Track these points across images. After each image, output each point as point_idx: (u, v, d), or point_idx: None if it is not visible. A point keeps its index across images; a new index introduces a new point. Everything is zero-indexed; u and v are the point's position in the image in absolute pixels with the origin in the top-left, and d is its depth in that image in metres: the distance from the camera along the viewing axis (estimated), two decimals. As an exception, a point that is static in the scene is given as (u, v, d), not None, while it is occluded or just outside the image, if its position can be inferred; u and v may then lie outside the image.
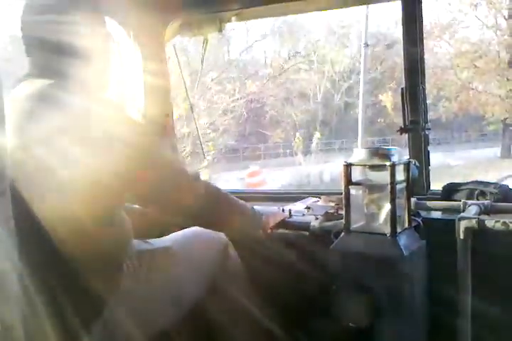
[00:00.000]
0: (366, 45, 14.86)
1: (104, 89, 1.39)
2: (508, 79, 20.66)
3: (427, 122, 1.88)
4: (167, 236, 1.56)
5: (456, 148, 22.65)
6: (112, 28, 1.44)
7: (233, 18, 2.23)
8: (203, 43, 2.43)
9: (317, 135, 18.86)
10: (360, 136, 14.32)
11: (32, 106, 1.17)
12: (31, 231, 1.06)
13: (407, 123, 1.86)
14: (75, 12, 1.29)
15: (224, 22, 2.22)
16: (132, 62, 1.88)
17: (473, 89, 21.85)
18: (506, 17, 20.89)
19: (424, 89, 1.88)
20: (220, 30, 2.23)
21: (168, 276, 1.41)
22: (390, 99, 25.50)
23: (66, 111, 1.15)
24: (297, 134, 19.09)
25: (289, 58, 26.21)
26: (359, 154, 1.46)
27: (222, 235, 1.61)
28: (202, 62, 2.50)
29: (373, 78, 26.80)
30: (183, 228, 1.62)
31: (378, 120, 26.99)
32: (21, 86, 1.27)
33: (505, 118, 21.50)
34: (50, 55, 1.28)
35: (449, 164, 16.84)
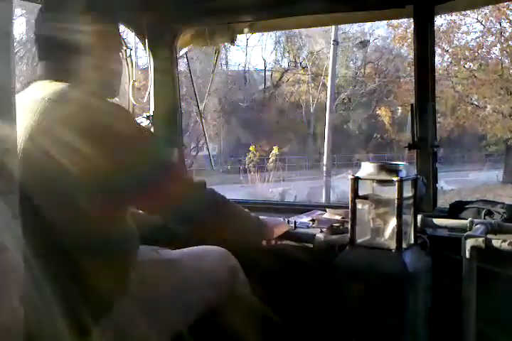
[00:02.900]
0: (336, 42, 14.13)
1: (114, 92, 1.42)
2: (511, 93, 18.44)
3: (435, 139, 1.88)
4: (175, 251, 1.55)
5: (453, 169, 20.65)
6: (126, 35, 1.46)
7: (245, 30, 2.25)
8: (215, 53, 2.45)
9: (274, 150, 15.93)
10: (325, 152, 13.63)
11: (45, 108, 1.18)
12: (38, 230, 1.06)
13: (415, 140, 1.86)
14: (89, 16, 1.31)
15: (236, 33, 2.24)
16: (144, 69, 1.91)
17: (472, 104, 19.69)
18: None
19: (434, 106, 1.88)
20: (233, 41, 2.25)
21: (173, 288, 1.40)
22: (388, 113, 25.11)
23: (75, 109, 1.16)
24: (251, 148, 16.13)
25: (288, 69, 26.20)
26: (367, 168, 1.46)
27: (230, 256, 1.59)
28: (213, 71, 2.52)
29: (371, 91, 26.69)
30: (190, 241, 1.61)
31: (374, 135, 26.64)
32: (33, 88, 1.29)
33: (508, 139, 19.42)
34: (62, 58, 1.31)
35: (442, 188, 14.69)
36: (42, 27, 1.35)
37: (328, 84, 14.29)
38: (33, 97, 1.23)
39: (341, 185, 15.71)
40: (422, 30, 1.84)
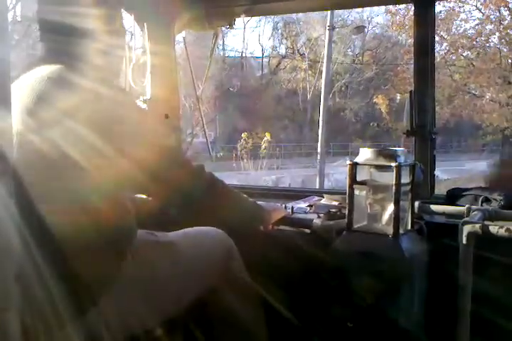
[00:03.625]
0: (332, 28, 13.82)
1: (114, 75, 1.41)
2: (509, 82, 18.17)
3: (434, 126, 1.88)
4: (172, 233, 1.55)
5: (449, 158, 20.39)
6: (123, 18, 1.44)
7: (243, 13, 2.22)
8: (213, 38, 2.42)
9: (266, 137, 15.44)
10: (320, 139, 13.45)
11: (45, 88, 1.18)
12: (32, 212, 1.05)
13: (413, 127, 1.85)
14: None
15: (234, 16, 2.21)
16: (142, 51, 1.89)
17: (469, 92, 19.54)
18: None
19: (433, 93, 1.87)
20: (231, 25, 2.23)
21: (171, 270, 1.40)
22: (385, 101, 24.99)
23: (77, 94, 1.16)
24: (243, 134, 15.76)
25: (286, 56, 25.97)
26: (365, 154, 1.45)
27: (226, 237, 1.60)
28: (211, 56, 2.48)
29: (368, 79, 26.55)
30: (189, 225, 1.61)
31: (371, 124, 26.57)
32: (35, 69, 1.28)
33: (505, 128, 19.13)
34: (63, 39, 1.30)
35: (438, 177, 15.15)
36: (43, 9, 1.34)
37: (324, 71, 14.17)
38: (33, 78, 1.22)
39: (336, 173, 15.73)
40: (422, 14, 1.82)
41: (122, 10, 1.44)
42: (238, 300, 1.53)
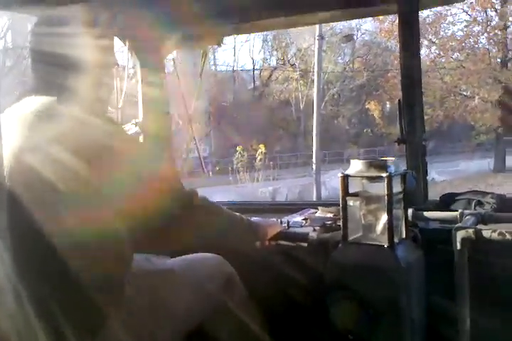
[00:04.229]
0: (321, 37, 13.96)
1: (104, 104, 1.42)
2: (499, 82, 18.21)
3: (424, 133, 1.90)
4: (171, 260, 1.55)
5: (444, 160, 20.44)
6: (113, 42, 1.46)
7: (232, 32, 2.25)
8: (202, 56, 2.45)
9: (261, 149, 15.38)
10: (314, 149, 13.49)
11: (33, 121, 1.19)
12: (27, 243, 1.06)
13: (404, 135, 1.87)
14: (80, 29, 1.32)
15: (223, 35, 2.25)
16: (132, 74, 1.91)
17: (461, 94, 19.66)
18: (498, 8, 18.19)
19: (421, 100, 1.90)
20: (219, 44, 2.26)
21: (170, 298, 1.40)
22: (377, 107, 25.03)
23: (66, 127, 1.17)
24: (238, 148, 15.71)
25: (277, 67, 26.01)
26: (356, 165, 1.47)
27: (226, 263, 1.60)
28: (201, 74, 2.51)
29: (360, 85, 26.62)
30: (186, 250, 1.61)
31: (365, 130, 26.60)
32: (25, 101, 1.29)
33: (498, 127, 19.07)
34: (56, 71, 1.31)
35: (434, 179, 14.72)
36: (36, 41, 1.35)
37: (315, 80, 14.24)
38: (23, 112, 1.24)
39: (332, 181, 15.73)
40: (406, 23, 1.84)
41: (110, 32, 1.45)
42: (239, 326, 1.53)
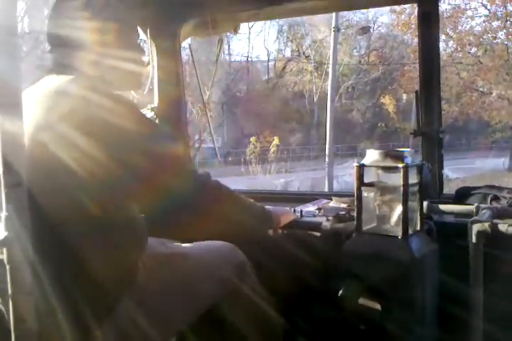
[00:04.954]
0: (337, 29, 13.75)
1: (122, 86, 1.42)
2: None
3: (441, 125, 1.87)
4: (183, 245, 1.56)
5: (459, 157, 19.98)
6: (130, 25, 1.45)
7: (248, 18, 2.23)
8: (218, 43, 2.44)
9: (275, 141, 15.42)
10: (327, 142, 13.42)
11: (52, 100, 1.20)
12: (45, 224, 1.07)
13: (420, 127, 1.85)
14: (96, 12, 1.33)
15: (239, 22, 2.23)
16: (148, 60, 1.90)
17: (477, 90, 19.40)
18: None
19: (439, 92, 1.87)
20: (236, 30, 2.24)
21: (183, 281, 1.40)
22: (392, 101, 24.83)
23: (84, 107, 1.17)
24: (251, 139, 15.67)
25: (292, 59, 25.89)
26: (372, 155, 1.46)
27: (239, 252, 1.59)
28: (216, 61, 2.50)
29: (375, 79, 26.41)
30: (197, 233, 1.61)
31: (379, 124, 26.41)
32: (43, 81, 1.31)
33: None
34: (71, 52, 1.32)
35: (447, 176, 14.31)
36: (53, 23, 1.36)
37: (330, 73, 14.15)
38: (41, 91, 1.24)
39: (345, 175, 15.68)
40: (426, 14, 1.82)
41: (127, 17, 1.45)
42: (248, 314, 1.53)
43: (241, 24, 2.26)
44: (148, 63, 1.99)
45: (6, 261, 0.67)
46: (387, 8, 21.98)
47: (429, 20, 1.82)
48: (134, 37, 1.46)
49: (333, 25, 13.76)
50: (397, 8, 18.74)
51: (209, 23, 2.21)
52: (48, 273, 1.02)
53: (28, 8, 13.55)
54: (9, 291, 0.68)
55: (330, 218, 1.66)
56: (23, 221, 0.69)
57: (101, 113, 1.17)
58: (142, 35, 2.23)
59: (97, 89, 1.24)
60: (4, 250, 0.67)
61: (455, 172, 16.95)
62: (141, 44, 1.52)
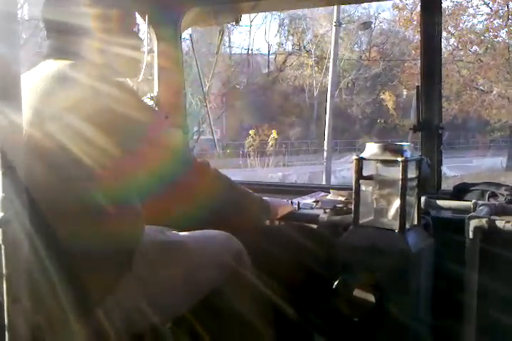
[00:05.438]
0: (338, 24, 13.65)
1: (119, 72, 1.42)
2: None
3: (441, 121, 1.87)
4: (181, 233, 1.56)
5: (456, 155, 20.06)
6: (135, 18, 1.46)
7: (249, 9, 2.22)
8: (219, 34, 2.43)
9: (273, 134, 15.40)
10: (326, 137, 13.41)
11: (50, 85, 1.19)
12: (43, 208, 1.06)
13: (420, 122, 1.85)
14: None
15: (241, 13, 2.22)
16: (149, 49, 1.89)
17: (477, 88, 19.43)
18: None
19: (440, 88, 1.87)
20: (237, 21, 2.23)
21: (179, 270, 1.40)
22: (392, 98, 24.81)
23: (81, 93, 1.17)
24: (250, 131, 15.76)
25: (292, 53, 25.82)
26: (371, 149, 1.45)
27: (236, 241, 1.59)
28: (217, 52, 2.49)
29: (375, 75, 26.37)
30: (195, 221, 1.61)
31: (378, 120, 26.41)
32: (40, 66, 1.30)
33: None
34: (68, 38, 1.32)
35: (445, 174, 13.95)
36: (49, 9, 1.36)
37: (330, 67, 14.12)
38: (38, 75, 1.24)
39: (343, 170, 15.71)
40: (429, 10, 1.81)
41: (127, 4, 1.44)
42: (245, 301, 1.53)
43: (242, 15, 2.24)
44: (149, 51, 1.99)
45: (0, 241, 0.67)
46: (389, 3, 21.93)
47: (431, 13, 1.81)
48: (132, 23, 1.45)
49: (334, 19, 13.70)
50: (399, 3, 18.69)
51: (211, 13, 2.20)
52: (46, 254, 1.02)
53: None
54: (4, 270, 0.67)
55: (327, 211, 1.66)
56: (21, 202, 0.69)
57: (109, 103, 1.17)
58: (141, 23, 2.22)
59: (105, 78, 1.24)
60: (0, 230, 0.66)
61: (452, 170, 16.99)
62: (138, 31, 1.51)
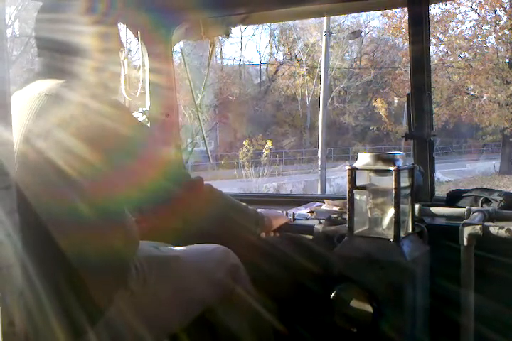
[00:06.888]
0: (329, 33, 13.77)
1: (111, 91, 1.42)
2: (507, 82, 18.23)
3: (432, 128, 1.88)
4: (176, 248, 1.55)
5: (449, 160, 20.45)
6: (121, 31, 1.46)
7: (239, 22, 2.24)
8: (210, 47, 2.44)
9: (267, 144, 15.16)
10: (320, 145, 13.43)
11: (41, 104, 1.19)
12: (36, 227, 1.06)
13: (412, 129, 1.86)
14: (85, 15, 1.33)
15: (231, 26, 2.23)
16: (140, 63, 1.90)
17: (468, 93, 19.57)
18: (507, 7, 17.98)
19: (430, 96, 1.88)
20: (227, 34, 2.24)
21: (176, 284, 1.40)
22: (384, 105, 24.94)
23: (73, 111, 1.17)
24: (244, 142, 15.50)
25: (284, 62, 25.94)
26: (364, 159, 1.46)
27: (232, 255, 1.59)
28: (208, 65, 2.50)
29: (367, 82, 26.52)
30: (191, 237, 1.60)
31: (371, 127, 26.52)
32: (32, 85, 1.30)
33: (505, 129, 19.16)
34: (60, 56, 1.32)
35: (439, 179, 14.75)
36: (41, 27, 1.36)
37: (322, 76, 14.19)
38: (30, 94, 1.24)
39: (337, 178, 15.75)
40: (416, 17, 1.83)
41: (120, 25, 1.45)
42: (240, 318, 1.53)
43: (233, 28, 2.26)
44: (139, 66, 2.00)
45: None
46: (379, 12, 22.14)
47: (419, 24, 1.83)
48: (118, 40, 1.46)
49: (324, 29, 13.80)
50: (388, 12, 18.84)
51: (201, 27, 2.21)
52: (38, 274, 1.02)
53: (19, 12, 13.51)
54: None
55: (322, 221, 1.66)
56: (13, 223, 0.69)
57: (101, 120, 1.17)
58: (134, 41, 2.23)
59: (97, 97, 1.24)
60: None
61: (446, 175, 17.06)
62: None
